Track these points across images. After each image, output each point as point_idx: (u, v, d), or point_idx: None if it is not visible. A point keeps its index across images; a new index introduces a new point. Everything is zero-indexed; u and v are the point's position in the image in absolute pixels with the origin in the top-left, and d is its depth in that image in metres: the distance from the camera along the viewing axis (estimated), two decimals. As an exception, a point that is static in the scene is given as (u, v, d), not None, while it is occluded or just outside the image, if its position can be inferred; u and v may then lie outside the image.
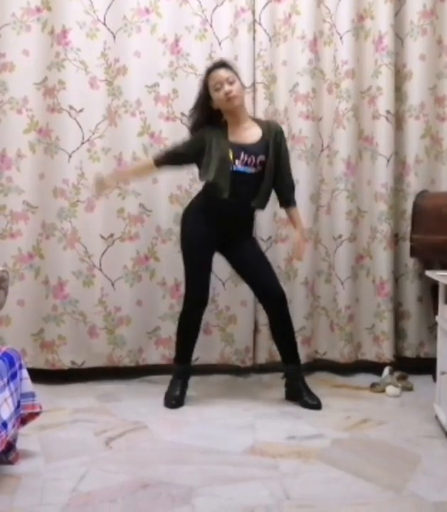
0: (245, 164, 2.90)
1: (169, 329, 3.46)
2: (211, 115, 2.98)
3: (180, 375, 3.06)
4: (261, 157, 2.92)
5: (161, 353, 3.48)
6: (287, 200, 3.07)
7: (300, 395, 3.00)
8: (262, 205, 3.02)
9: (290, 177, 3.06)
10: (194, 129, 3.01)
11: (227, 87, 2.87)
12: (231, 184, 2.89)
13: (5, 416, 2.04)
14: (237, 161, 2.89)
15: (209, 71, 2.96)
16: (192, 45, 3.44)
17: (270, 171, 2.95)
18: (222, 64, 2.96)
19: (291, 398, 3.04)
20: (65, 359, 3.33)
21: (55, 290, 3.33)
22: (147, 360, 3.48)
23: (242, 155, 2.89)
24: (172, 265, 3.45)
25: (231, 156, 2.88)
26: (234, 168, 2.89)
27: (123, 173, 3.29)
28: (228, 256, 3.08)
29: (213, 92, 2.92)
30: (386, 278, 3.52)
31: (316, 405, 2.94)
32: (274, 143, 2.96)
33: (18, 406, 2.20)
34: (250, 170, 2.91)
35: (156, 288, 3.47)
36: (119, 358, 3.41)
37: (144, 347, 3.47)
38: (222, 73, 2.90)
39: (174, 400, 2.98)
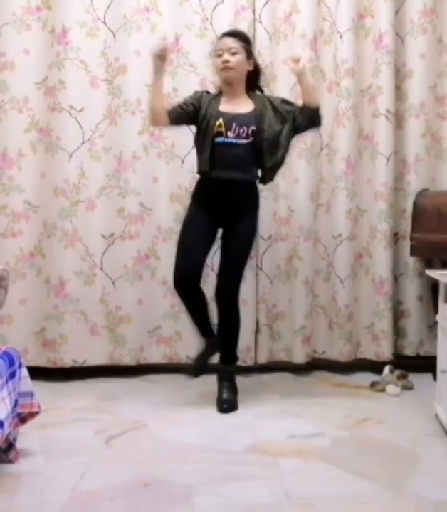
0: (238, 135, 2.87)
1: (170, 328, 3.47)
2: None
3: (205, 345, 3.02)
4: (253, 127, 2.88)
5: (162, 351, 3.49)
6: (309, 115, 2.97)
7: (218, 395, 2.95)
8: (267, 177, 2.98)
9: (302, 106, 2.95)
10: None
11: (226, 56, 2.88)
12: (222, 156, 2.87)
13: (2, 415, 2.04)
14: (229, 132, 2.86)
15: (220, 36, 3.00)
16: (192, 44, 3.44)
17: (271, 142, 2.89)
18: (232, 33, 2.97)
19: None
20: (66, 357, 3.34)
21: (56, 289, 3.33)
22: (148, 359, 3.48)
23: (234, 126, 2.86)
24: (173, 264, 3.45)
25: (223, 128, 2.86)
26: (226, 140, 2.87)
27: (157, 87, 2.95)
28: (222, 236, 3.01)
29: (214, 57, 2.99)
30: (386, 277, 3.52)
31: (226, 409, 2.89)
32: (271, 112, 2.92)
33: (15, 405, 2.20)
34: (242, 141, 2.87)
35: (157, 287, 3.47)
36: (120, 357, 3.42)
37: (145, 346, 3.47)
38: (227, 42, 2.90)
39: (193, 365, 3.04)
